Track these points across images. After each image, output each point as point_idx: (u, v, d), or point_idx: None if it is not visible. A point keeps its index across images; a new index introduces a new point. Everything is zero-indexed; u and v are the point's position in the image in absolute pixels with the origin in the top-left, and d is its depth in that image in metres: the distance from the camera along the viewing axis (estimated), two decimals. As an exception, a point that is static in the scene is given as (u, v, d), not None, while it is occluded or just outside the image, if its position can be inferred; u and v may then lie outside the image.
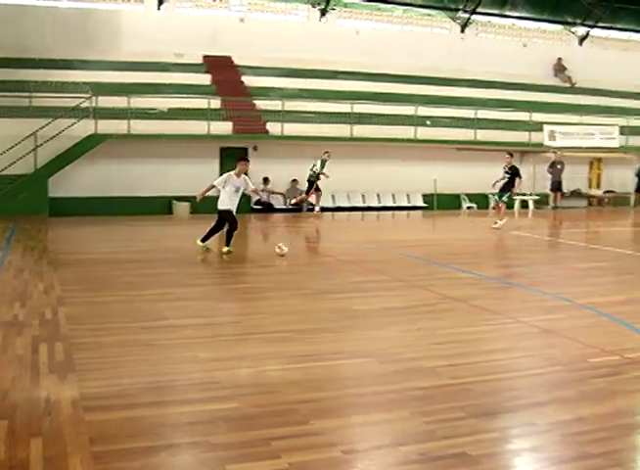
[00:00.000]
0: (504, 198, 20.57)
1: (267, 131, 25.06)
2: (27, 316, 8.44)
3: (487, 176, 23.79)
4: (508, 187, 20.37)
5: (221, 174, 14.83)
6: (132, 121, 22.84)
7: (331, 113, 25.89)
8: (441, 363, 6.78)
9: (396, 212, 26.12)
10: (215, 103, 24.84)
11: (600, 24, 35.31)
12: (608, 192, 30.29)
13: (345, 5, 31.70)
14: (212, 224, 14.11)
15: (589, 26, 35.27)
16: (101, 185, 22.53)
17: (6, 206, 20.80)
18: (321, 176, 22.98)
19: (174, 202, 23.40)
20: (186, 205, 22.99)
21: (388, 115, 26.32)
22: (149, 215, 22.02)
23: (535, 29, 35.27)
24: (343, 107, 25.84)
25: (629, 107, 31.57)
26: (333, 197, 26.00)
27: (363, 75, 28.56)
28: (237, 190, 14.02)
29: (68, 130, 21.75)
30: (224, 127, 24.38)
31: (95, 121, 22.34)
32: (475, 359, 6.99)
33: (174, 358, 6.89)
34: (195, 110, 23.81)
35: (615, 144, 29.08)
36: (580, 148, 28.50)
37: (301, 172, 23.87)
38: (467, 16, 32.84)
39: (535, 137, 28.11)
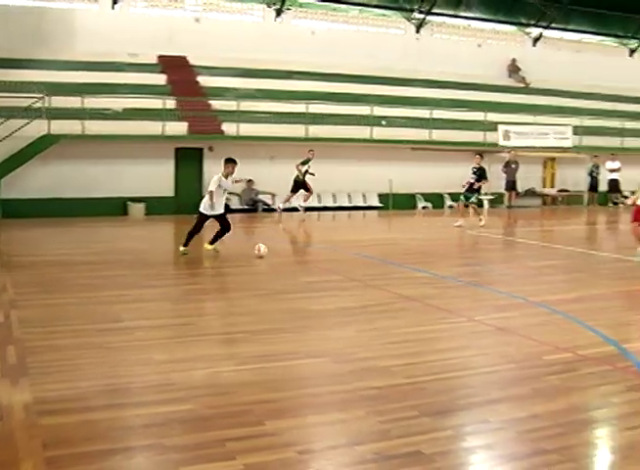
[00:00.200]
0: (473, 199, 20.76)
1: (223, 132, 24.92)
2: (-21, 320, 8.33)
3: (443, 176, 23.94)
4: (473, 187, 20.56)
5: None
6: (86, 122, 22.51)
7: (286, 113, 25.84)
8: (396, 362, 6.84)
9: (352, 213, 26.18)
10: (171, 103, 24.63)
11: (553, 26, 35.72)
12: (561, 191, 30.67)
13: (301, 5, 31.64)
14: (191, 228, 13.99)
15: (543, 28, 35.66)
16: (55, 186, 22.19)
17: (-43, 208, 20.44)
18: (306, 175, 23.04)
19: (129, 203, 23.16)
20: (141, 206, 22.74)
21: (343, 115, 26.36)
22: (103, 217, 21.74)
23: (490, 30, 35.55)
24: (299, 107, 25.80)
25: (582, 107, 31.97)
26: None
27: (319, 75, 28.53)
28: (224, 191, 14.06)
29: (21, 131, 21.35)
30: (179, 128, 24.19)
31: (48, 122, 21.99)
32: (429, 358, 7.06)
33: (130, 361, 6.87)
34: (150, 110, 23.55)
35: (568, 144, 29.47)
36: (534, 147, 28.85)
37: (257, 173, 23.79)
38: (422, 16, 32.95)
39: (490, 137, 28.32)
